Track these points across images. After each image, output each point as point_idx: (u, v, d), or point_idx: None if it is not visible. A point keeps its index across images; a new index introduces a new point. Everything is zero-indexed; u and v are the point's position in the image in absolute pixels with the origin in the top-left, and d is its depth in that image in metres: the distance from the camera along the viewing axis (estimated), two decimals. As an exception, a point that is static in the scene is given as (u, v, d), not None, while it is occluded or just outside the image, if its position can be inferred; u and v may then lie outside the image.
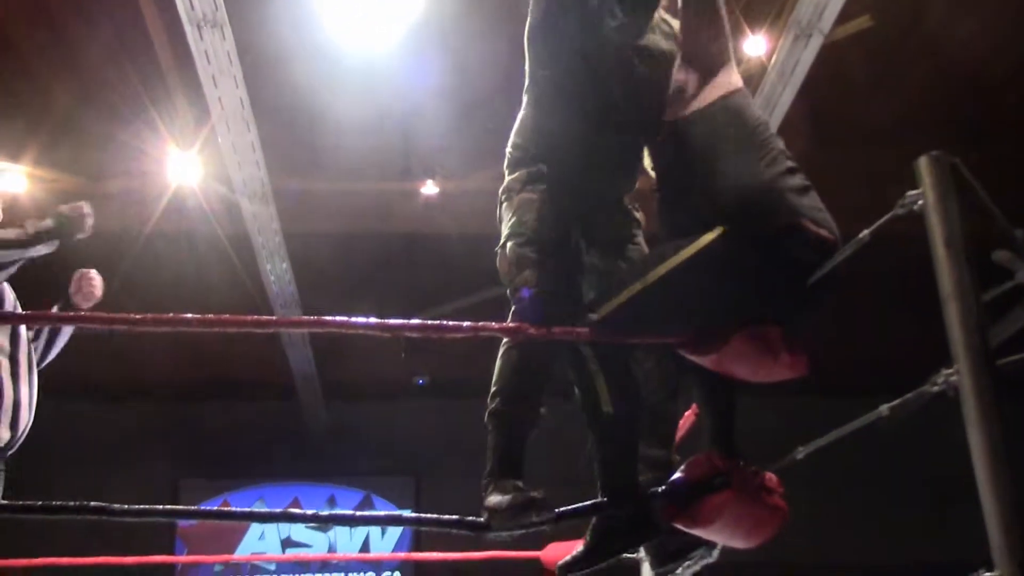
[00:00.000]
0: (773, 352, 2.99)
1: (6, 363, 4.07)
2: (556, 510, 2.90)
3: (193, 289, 8.53)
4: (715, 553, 3.37)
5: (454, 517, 2.94)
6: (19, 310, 4.28)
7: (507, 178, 3.38)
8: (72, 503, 2.75)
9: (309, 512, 2.96)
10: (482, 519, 2.90)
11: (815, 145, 7.33)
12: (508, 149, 3.45)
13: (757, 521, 3.19)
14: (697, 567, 3.48)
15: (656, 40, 3.39)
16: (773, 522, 3.19)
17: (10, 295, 4.25)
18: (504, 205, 3.35)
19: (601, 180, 3.36)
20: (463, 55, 7.15)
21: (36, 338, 4.36)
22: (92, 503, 2.74)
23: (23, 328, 4.19)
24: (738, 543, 3.24)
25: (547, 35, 3.30)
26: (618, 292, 3.07)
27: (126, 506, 2.79)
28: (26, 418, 4.09)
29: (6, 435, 3.99)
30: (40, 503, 2.81)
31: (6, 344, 4.11)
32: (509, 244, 3.23)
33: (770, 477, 3.19)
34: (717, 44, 3.27)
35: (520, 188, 3.30)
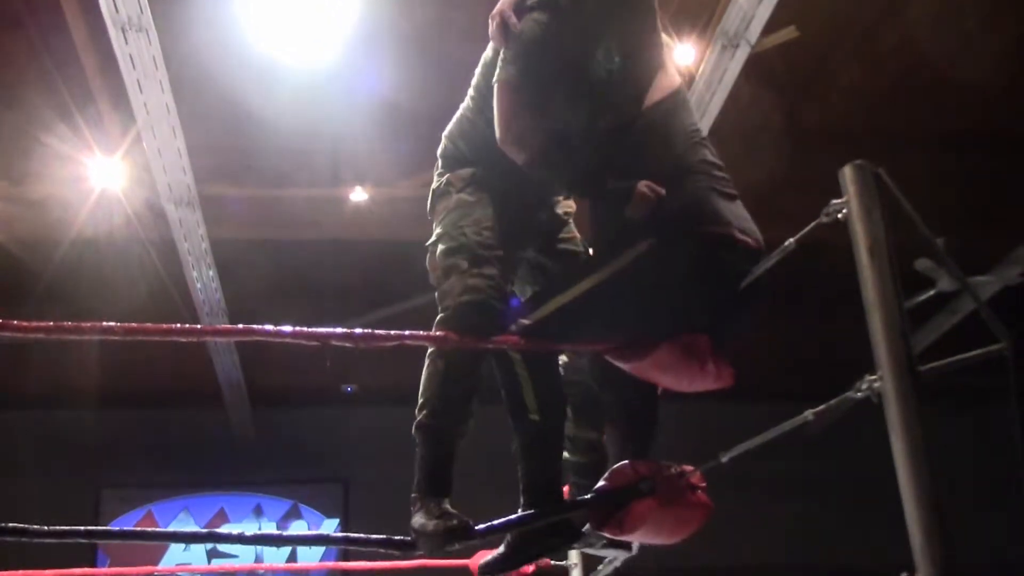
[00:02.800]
0: (699, 361, 3.03)
1: None
2: (481, 526, 2.92)
3: (117, 295, 8.41)
4: (634, 548, 3.43)
5: (382, 536, 2.96)
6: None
7: (445, 172, 3.35)
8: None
9: (234, 532, 2.93)
10: (409, 538, 2.92)
11: (743, 152, 7.40)
12: (445, 140, 3.43)
13: (682, 520, 3.27)
14: (617, 563, 3.55)
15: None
16: (697, 519, 3.28)
17: None
18: (440, 199, 3.32)
19: (542, 187, 3.36)
20: (395, 63, 7.13)
21: None
22: (9, 524, 2.66)
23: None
24: (664, 541, 3.30)
25: (532, 53, 3.17)
26: (549, 298, 3.09)
27: (45, 527, 2.71)
28: None
29: None
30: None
31: None
32: (440, 247, 3.22)
33: (693, 474, 3.24)
34: (653, 46, 3.30)
35: (461, 187, 3.28)
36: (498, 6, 3.26)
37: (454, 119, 3.47)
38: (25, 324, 2.67)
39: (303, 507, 11.43)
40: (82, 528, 2.93)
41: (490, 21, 3.27)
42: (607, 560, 3.63)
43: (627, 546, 3.39)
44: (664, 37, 3.41)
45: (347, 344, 2.93)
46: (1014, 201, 8.50)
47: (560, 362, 3.42)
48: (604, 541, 3.31)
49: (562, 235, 3.45)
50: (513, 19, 3.20)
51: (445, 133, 3.46)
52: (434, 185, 3.38)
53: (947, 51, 7.38)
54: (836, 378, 2.68)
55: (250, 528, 11.00)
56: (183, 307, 8.76)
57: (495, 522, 3.03)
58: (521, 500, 3.24)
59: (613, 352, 3.12)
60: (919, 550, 2.17)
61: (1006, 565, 9.68)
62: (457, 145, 3.39)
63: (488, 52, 3.41)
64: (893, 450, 2.27)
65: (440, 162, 3.42)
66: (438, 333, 3.05)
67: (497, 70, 3.20)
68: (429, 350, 3.12)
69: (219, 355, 9.58)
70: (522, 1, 3.24)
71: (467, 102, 3.45)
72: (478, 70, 3.44)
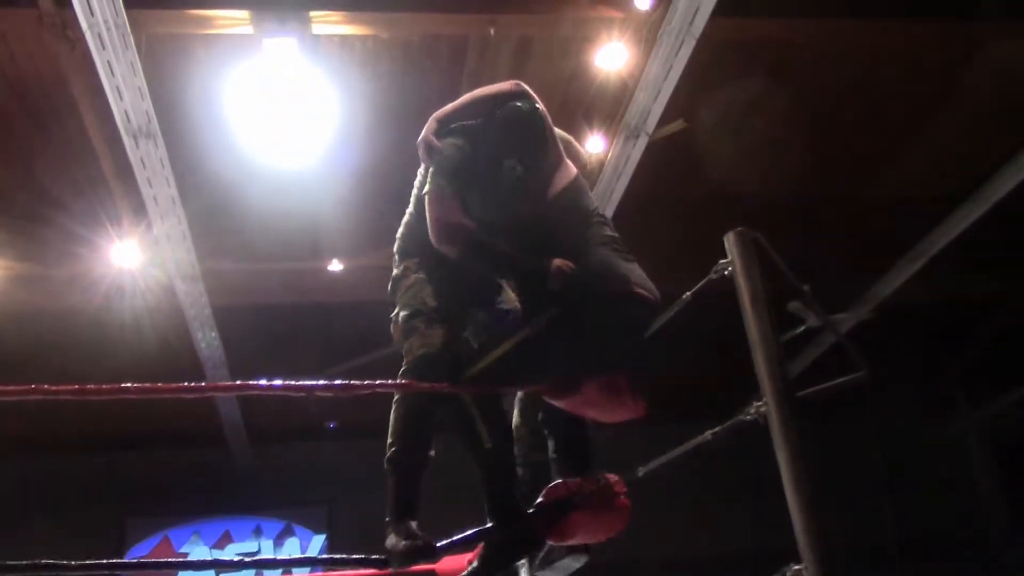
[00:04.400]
0: (619, 397, 3.06)
1: None
2: (442, 543, 2.94)
3: (134, 356, 8.31)
4: (583, 559, 3.38)
5: (360, 556, 3.01)
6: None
7: (401, 262, 3.45)
8: (24, 562, 2.63)
9: (236, 559, 3.04)
10: (383, 557, 2.96)
11: (643, 223, 7.46)
12: (397, 240, 3.53)
13: (609, 522, 3.29)
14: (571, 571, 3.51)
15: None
16: (622, 519, 3.30)
17: None
18: (401, 281, 3.40)
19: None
20: (361, 159, 7.15)
21: None
22: (43, 561, 2.64)
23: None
24: (596, 539, 3.29)
25: (452, 168, 3.24)
26: (489, 352, 3.12)
27: (73, 562, 2.69)
28: None
29: None
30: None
31: None
32: (402, 315, 3.29)
33: (616, 481, 3.27)
34: (551, 155, 3.33)
35: (416, 269, 3.38)
36: (423, 134, 3.31)
37: (403, 223, 3.56)
38: (55, 388, 2.64)
39: (295, 526, 11.25)
40: (105, 562, 2.92)
41: (418, 146, 3.33)
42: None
43: (582, 550, 3.35)
44: (563, 135, 3.48)
45: (328, 393, 2.97)
46: (865, 252, 8.66)
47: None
48: (563, 551, 3.30)
49: (500, 298, 3.49)
50: (435, 142, 3.27)
51: (398, 235, 3.56)
52: (395, 272, 3.47)
53: (796, 137, 7.54)
54: (731, 402, 2.70)
55: (251, 546, 10.86)
56: (190, 364, 8.67)
57: (455, 538, 3.06)
58: (488, 521, 3.23)
59: (547, 392, 3.15)
60: (802, 543, 2.18)
61: (874, 549, 9.71)
62: (407, 245, 3.48)
63: (420, 171, 3.46)
64: (778, 461, 2.29)
65: (396, 256, 3.52)
66: (402, 381, 3.11)
67: (426, 185, 3.27)
68: (395, 396, 3.15)
69: (222, 401, 9.48)
70: (441, 127, 3.30)
71: (410, 208, 3.53)
72: (416, 183, 3.50)
